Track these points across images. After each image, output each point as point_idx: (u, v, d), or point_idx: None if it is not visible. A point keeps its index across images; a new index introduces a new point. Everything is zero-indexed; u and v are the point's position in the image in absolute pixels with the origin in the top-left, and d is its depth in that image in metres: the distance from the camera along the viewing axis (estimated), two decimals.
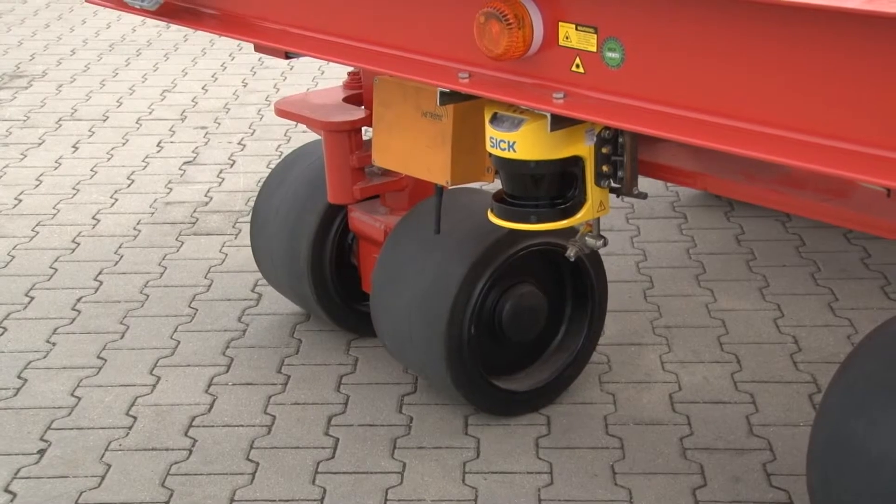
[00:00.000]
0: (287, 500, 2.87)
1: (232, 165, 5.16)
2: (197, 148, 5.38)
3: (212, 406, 3.28)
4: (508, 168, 2.49)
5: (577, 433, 3.11)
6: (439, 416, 3.18)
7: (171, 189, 4.90)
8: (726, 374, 3.38)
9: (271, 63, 6.63)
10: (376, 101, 2.95)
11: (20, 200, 4.79)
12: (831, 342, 3.54)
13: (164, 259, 4.23)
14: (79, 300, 3.92)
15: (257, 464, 3.01)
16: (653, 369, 3.42)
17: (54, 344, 3.64)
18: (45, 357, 3.56)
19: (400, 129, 2.90)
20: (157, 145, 5.43)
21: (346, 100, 3.38)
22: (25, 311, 3.85)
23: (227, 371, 3.47)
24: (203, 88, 6.30)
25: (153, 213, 4.64)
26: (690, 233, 4.35)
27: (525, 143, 2.39)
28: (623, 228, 4.38)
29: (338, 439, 3.11)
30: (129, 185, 4.94)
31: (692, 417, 3.17)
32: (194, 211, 4.66)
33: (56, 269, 4.16)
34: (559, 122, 2.29)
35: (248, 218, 4.55)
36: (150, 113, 5.90)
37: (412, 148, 2.89)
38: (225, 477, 2.96)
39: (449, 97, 2.43)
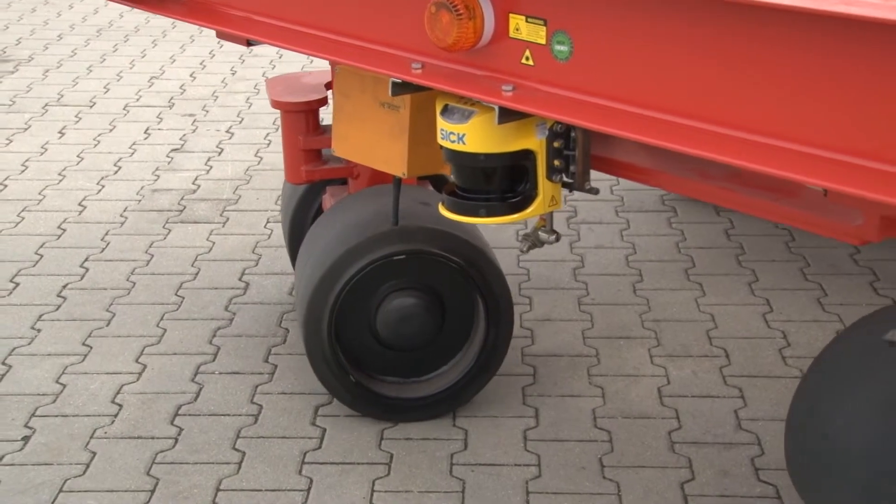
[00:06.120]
0: (273, 490, 2.85)
1: (220, 153, 5.13)
2: (184, 135, 5.35)
3: (198, 395, 3.26)
4: (458, 161, 2.46)
5: (565, 426, 3.10)
6: None
7: (158, 176, 4.86)
8: (715, 368, 3.38)
9: (260, 51, 6.59)
10: (336, 91, 2.93)
11: (5, 186, 4.75)
12: (820, 337, 3.54)
13: (150, 246, 4.20)
14: (64, 287, 3.89)
15: (243, 453, 2.99)
16: (641, 363, 3.41)
17: (39, 330, 3.61)
18: (29, 343, 3.53)
19: (359, 119, 2.87)
20: (145, 132, 5.39)
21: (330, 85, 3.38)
22: (10, 298, 3.82)
23: (214, 360, 3.44)
24: (191, 75, 6.26)
25: (140, 201, 4.61)
26: (680, 227, 4.35)
27: (475, 135, 2.36)
28: (612, 221, 4.37)
29: (325, 429, 3.09)
30: (115, 172, 4.91)
31: (680, 411, 3.16)
32: (181, 198, 4.63)
33: (41, 256, 4.12)
34: (508, 115, 2.26)
35: (236, 206, 4.55)
36: (138, 99, 5.86)
37: (371, 138, 2.86)
38: (211, 466, 2.94)
39: (401, 87, 2.40)
